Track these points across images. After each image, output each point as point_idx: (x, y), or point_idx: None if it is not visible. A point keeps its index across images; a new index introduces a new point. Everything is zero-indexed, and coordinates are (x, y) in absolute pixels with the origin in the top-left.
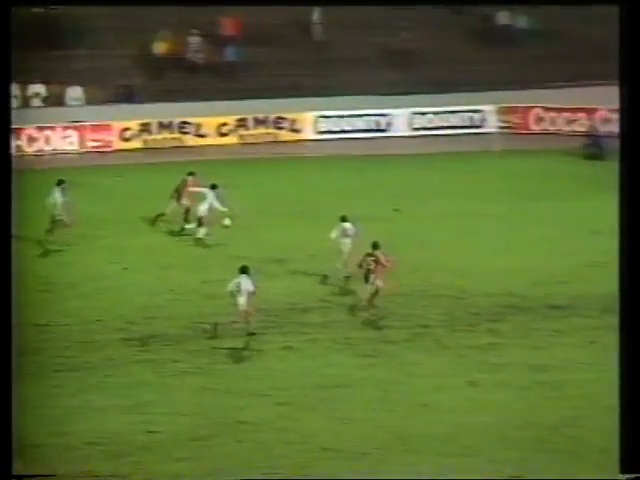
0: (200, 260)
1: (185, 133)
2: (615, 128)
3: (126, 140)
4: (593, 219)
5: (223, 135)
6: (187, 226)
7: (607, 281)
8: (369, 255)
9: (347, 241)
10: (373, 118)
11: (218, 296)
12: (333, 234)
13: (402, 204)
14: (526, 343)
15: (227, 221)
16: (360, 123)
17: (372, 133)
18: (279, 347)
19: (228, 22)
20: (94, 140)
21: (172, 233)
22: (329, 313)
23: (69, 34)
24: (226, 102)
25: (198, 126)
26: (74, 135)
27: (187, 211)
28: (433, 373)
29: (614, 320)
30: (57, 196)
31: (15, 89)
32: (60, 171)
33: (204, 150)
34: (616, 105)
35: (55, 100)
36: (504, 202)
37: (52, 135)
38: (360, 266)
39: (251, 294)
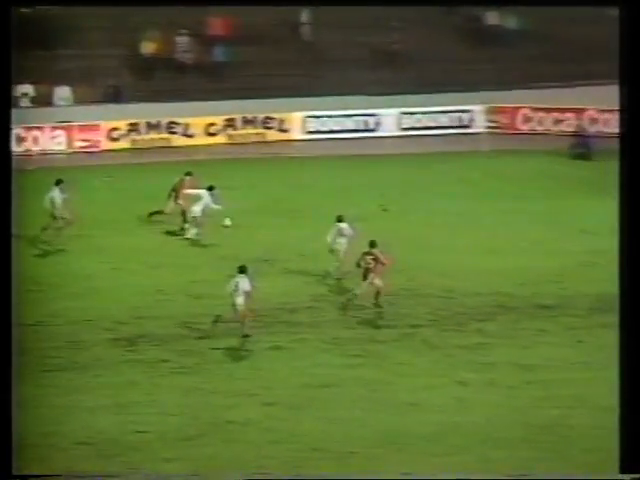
0: (189, 260)
1: (173, 133)
2: (603, 128)
3: (114, 140)
4: (581, 219)
5: (211, 135)
6: (186, 226)
7: (595, 281)
8: (367, 254)
9: (343, 241)
10: (362, 118)
11: (207, 296)
12: (329, 237)
13: (390, 204)
14: (514, 343)
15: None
16: (349, 123)
17: (361, 133)
18: (268, 347)
19: (217, 22)
20: (82, 140)
21: (168, 233)
22: (318, 313)
23: (57, 34)
24: (214, 102)
25: (186, 126)
26: (62, 135)
27: (184, 212)
28: (422, 373)
29: (602, 319)
30: (56, 195)
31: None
32: (48, 171)
33: (192, 150)
34: (604, 105)
35: (43, 100)
36: (492, 202)
37: (40, 135)
38: (358, 265)
39: (247, 294)
